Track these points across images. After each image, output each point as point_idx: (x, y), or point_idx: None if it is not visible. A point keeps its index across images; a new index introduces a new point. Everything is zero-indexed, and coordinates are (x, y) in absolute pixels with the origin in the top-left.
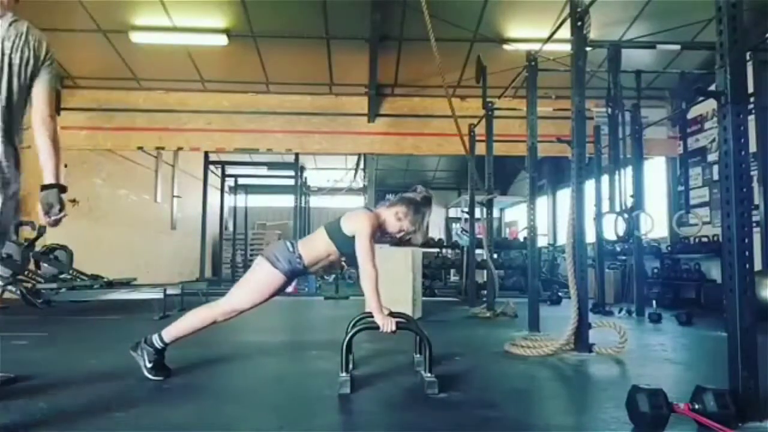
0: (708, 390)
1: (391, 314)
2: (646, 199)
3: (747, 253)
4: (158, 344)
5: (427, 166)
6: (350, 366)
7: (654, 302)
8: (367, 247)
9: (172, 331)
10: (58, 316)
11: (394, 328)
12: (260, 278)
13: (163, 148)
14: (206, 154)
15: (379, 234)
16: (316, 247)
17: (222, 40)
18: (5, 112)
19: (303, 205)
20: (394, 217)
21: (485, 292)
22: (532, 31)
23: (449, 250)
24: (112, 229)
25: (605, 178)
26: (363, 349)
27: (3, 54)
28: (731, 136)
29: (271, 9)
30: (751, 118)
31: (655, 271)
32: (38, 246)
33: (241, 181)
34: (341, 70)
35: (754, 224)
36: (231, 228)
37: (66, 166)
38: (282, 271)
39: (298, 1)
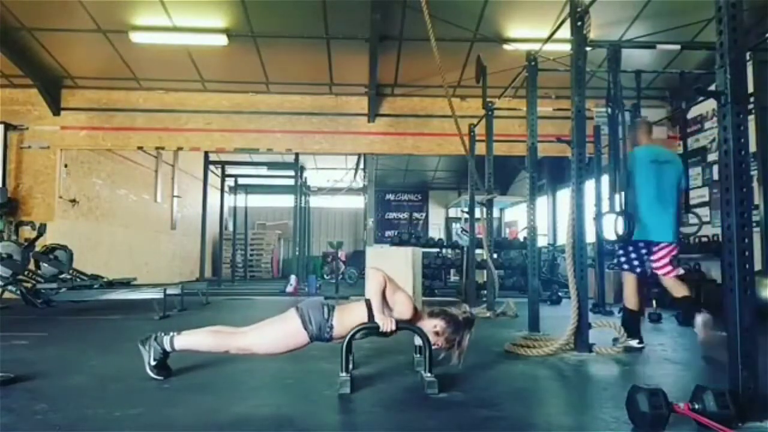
0: (708, 390)
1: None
2: None
3: (747, 253)
4: (167, 347)
5: (427, 166)
6: (350, 366)
7: (654, 302)
8: (394, 285)
9: (184, 343)
10: (58, 316)
11: (393, 327)
12: (286, 332)
13: (163, 148)
14: (206, 154)
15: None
16: (351, 320)
17: (222, 40)
18: None
19: (303, 205)
20: (432, 329)
21: (485, 292)
22: (532, 31)
23: (449, 250)
24: (112, 229)
25: (605, 178)
26: (363, 349)
27: None
28: (731, 136)
29: (271, 9)
30: (751, 118)
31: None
32: (38, 246)
33: (241, 181)
34: (341, 70)
35: (754, 224)
36: (231, 228)
37: (66, 165)
38: (309, 334)
39: (298, 1)
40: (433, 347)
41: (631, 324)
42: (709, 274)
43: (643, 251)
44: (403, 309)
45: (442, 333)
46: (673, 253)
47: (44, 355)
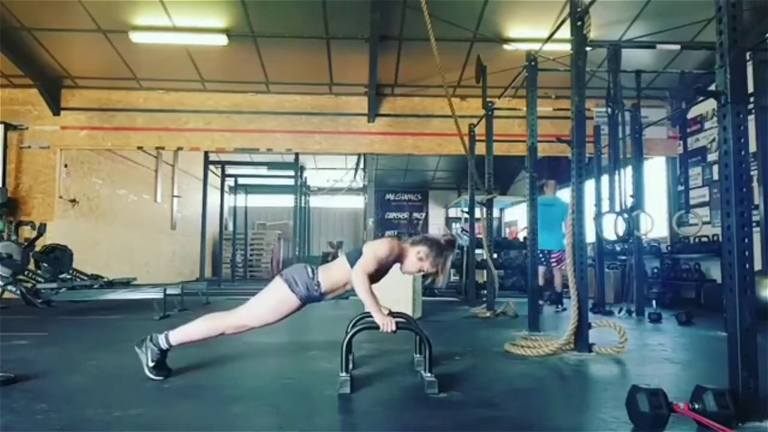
0: (708, 390)
1: (391, 314)
2: (646, 199)
3: (747, 253)
4: (164, 345)
5: (427, 166)
6: (350, 366)
7: (654, 302)
8: (366, 260)
9: (179, 335)
10: (58, 316)
11: (393, 328)
12: (276, 299)
13: (163, 148)
14: (206, 154)
15: (398, 265)
16: (335, 275)
17: (222, 40)
18: None
19: (303, 205)
20: (416, 257)
21: (485, 292)
22: (532, 31)
23: None
24: (112, 229)
25: (605, 178)
26: (363, 349)
27: None
28: (731, 136)
29: (271, 9)
30: (751, 118)
31: (655, 271)
32: (38, 246)
33: (241, 181)
34: (341, 70)
35: (754, 224)
36: (231, 228)
37: (66, 165)
38: (298, 296)
39: (298, 1)
40: (419, 273)
41: (557, 296)
42: (709, 274)
43: (542, 257)
44: (402, 262)
45: (427, 257)
46: (560, 256)
47: (44, 355)
